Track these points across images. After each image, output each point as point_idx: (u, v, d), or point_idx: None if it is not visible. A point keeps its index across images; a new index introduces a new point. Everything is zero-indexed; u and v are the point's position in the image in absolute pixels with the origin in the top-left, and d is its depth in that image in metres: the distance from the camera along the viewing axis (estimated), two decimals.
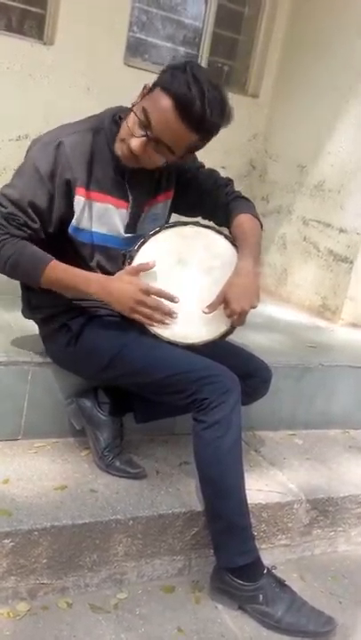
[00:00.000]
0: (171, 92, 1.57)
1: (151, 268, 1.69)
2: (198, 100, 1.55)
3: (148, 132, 1.61)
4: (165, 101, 1.58)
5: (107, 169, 1.73)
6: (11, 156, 3.41)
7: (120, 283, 1.69)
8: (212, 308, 1.74)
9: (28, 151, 1.74)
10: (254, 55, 4.15)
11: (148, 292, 1.68)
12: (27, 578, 1.63)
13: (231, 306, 1.70)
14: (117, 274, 1.72)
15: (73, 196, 1.70)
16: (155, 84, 1.62)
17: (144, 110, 1.61)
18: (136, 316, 1.69)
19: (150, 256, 1.71)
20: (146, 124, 1.61)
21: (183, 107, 1.56)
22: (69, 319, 1.82)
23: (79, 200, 1.70)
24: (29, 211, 1.66)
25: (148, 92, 1.64)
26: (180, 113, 1.57)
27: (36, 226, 1.68)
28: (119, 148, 1.69)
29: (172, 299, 1.70)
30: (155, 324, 1.71)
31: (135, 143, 1.63)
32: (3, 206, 1.66)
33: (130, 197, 1.78)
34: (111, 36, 3.58)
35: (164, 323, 1.71)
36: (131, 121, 1.64)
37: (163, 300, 1.70)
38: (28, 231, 1.68)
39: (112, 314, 1.82)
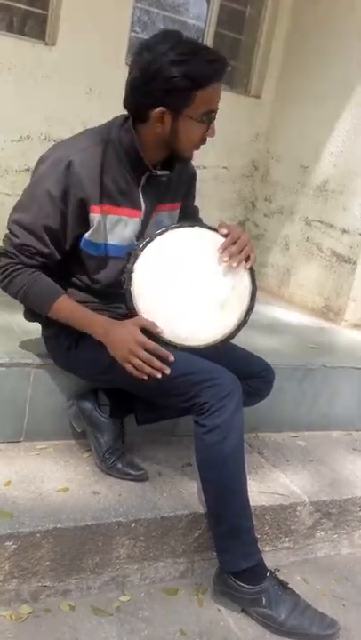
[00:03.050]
0: (200, 79, 1.61)
1: (158, 332, 1.69)
2: (206, 53, 1.63)
3: (212, 118, 1.69)
4: (212, 87, 1.64)
5: (117, 180, 1.72)
6: (12, 157, 3.43)
7: (122, 330, 1.69)
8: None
9: (35, 170, 1.73)
10: (256, 55, 4.14)
11: (144, 346, 1.66)
12: (29, 580, 1.63)
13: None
14: (123, 321, 1.71)
15: (88, 214, 1.70)
16: (176, 99, 1.63)
17: (205, 113, 1.67)
18: (127, 366, 1.67)
19: (154, 256, 1.71)
20: (210, 112, 1.67)
21: (217, 69, 1.64)
22: None
23: (94, 216, 1.70)
24: (43, 235, 1.66)
25: (177, 108, 1.64)
26: (219, 77, 1.65)
27: (48, 251, 1.69)
28: (188, 151, 1.74)
29: (166, 356, 1.68)
30: (144, 376, 1.68)
31: (212, 129, 1.71)
32: (15, 235, 1.68)
33: (143, 205, 1.78)
34: (113, 36, 3.57)
35: (153, 376, 1.67)
36: (193, 129, 1.68)
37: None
38: (41, 259, 1.70)
39: (114, 316, 1.82)
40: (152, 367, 1.66)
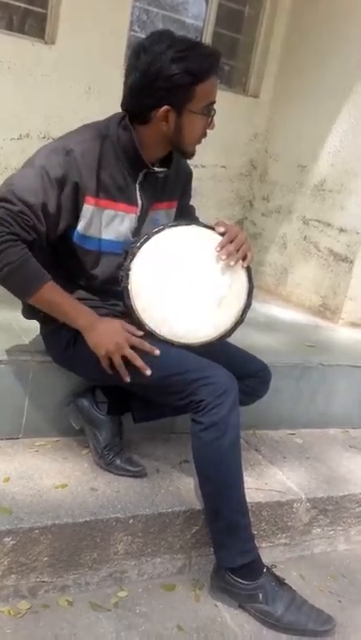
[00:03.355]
0: (199, 73, 1.65)
1: (139, 334, 1.72)
2: (202, 48, 1.67)
3: (212, 108, 1.73)
4: (210, 80, 1.68)
5: (114, 175, 1.73)
6: (12, 156, 3.43)
7: (109, 324, 1.72)
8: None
9: (33, 157, 1.69)
10: (255, 55, 4.14)
11: (129, 341, 1.69)
12: (27, 576, 1.64)
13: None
14: (109, 318, 1.75)
15: (81, 204, 1.69)
16: (177, 95, 1.66)
17: (206, 106, 1.71)
18: (105, 362, 1.71)
19: (152, 254, 1.72)
20: (210, 104, 1.71)
21: (209, 64, 1.67)
22: None
23: (88, 208, 1.70)
24: (40, 213, 1.62)
25: (180, 104, 1.67)
26: (215, 70, 1.70)
27: (43, 229, 1.65)
28: (192, 146, 1.77)
29: (151, 351, 1.70)
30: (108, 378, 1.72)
31: (213, 123, 1.76)
32: (12, 203, 1.58)
33: (139, 201, 1.79)
34: (112, 35, 3.58)
35: (124, 379, 1.72)
36: (196, 123, 1.72)
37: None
38: (34, 234, 1.63)
39: (111, 313, 1.83)
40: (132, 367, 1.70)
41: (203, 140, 1.78)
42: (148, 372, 1.69)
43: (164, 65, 1.61)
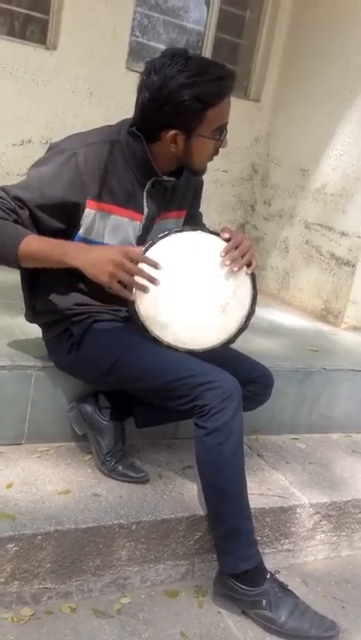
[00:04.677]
0: (210, 99, 1.63)
1: (139, 253, 1.64)
2: (215, 71, 1.63)
3: (223, 131, 1.71)
4: (222, 104, 1.66)
5: (122, 181, 1.73)
6: (14, 161, 3.44)
7: (102, 249, 1.66)
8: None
9: (42, 157, 1.74)
10: (256, 59, 4.15)
11: (127, 255, 1.60)
12: (30, 582, 1.64)
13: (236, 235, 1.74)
14: (102, 246, 1.71)
15: (82, 209, 1.69)
16: (186, 119, 1.64)
17: (217, 129, 1.69)
18: (114, 284, 1.60)
19: (157, 260, 1.71)
20: (221, 126, 1.70)
21: (225, 87, 1.65)
22: (72, 324, 1.83)
23: (89, 212, 1.70)
24: (17, 209, 1.65)
25: (189, 129, 1.66)
26: (228, 93, 1.67)
27: (26, 214, 1.65)
28: (202, 165, 1.77)
29: (155, 265, 1.64)
30: (131, 297, 1.64)
31: (224, 141, 1.74)
32: (2, 189, 1.66)
33: (145, 210, 1.78)
34: (113, 40, 3.59)
35: (144, 290, 1.64)
36: (206, 146, 1.71)
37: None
38: (14, 216, 1.64)
39: (114, 319, 1.83)
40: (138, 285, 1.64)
41: None
42: (158, 284, 1.63)
43: (173, 90, 1.59)
